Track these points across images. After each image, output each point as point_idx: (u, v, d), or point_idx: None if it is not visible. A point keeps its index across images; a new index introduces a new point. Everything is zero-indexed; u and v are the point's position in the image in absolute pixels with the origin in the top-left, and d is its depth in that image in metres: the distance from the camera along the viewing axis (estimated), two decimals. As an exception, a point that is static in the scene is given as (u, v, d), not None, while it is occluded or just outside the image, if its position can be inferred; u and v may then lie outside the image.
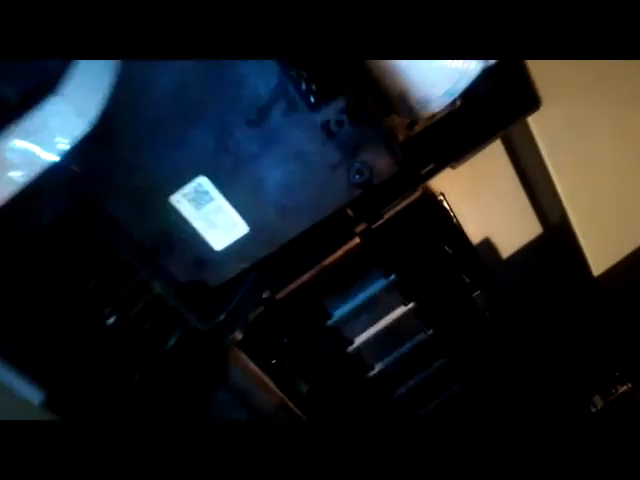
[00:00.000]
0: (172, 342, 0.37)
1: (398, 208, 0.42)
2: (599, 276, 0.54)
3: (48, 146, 0.32)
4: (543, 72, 0.42)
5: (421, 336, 0.57)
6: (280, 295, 0.41)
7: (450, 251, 0.58)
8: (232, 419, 0.45)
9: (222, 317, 0.38)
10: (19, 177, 0.31)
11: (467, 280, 0.60)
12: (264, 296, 0.40)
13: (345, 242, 0.41)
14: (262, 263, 0.37)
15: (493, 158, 0.55)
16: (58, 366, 0.36)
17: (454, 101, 0.38)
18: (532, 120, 0.47)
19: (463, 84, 0.31)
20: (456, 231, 0.57)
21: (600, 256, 0.55)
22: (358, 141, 0.33)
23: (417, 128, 0.39)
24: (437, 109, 0.32)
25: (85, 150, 0.31)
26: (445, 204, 0.55)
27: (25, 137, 0.31)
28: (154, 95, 0.33)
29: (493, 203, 0.58)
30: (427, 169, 0.42)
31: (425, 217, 0.54)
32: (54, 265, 0.36)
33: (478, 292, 0.60)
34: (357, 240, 0.41)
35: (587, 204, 0.52)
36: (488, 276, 0.59)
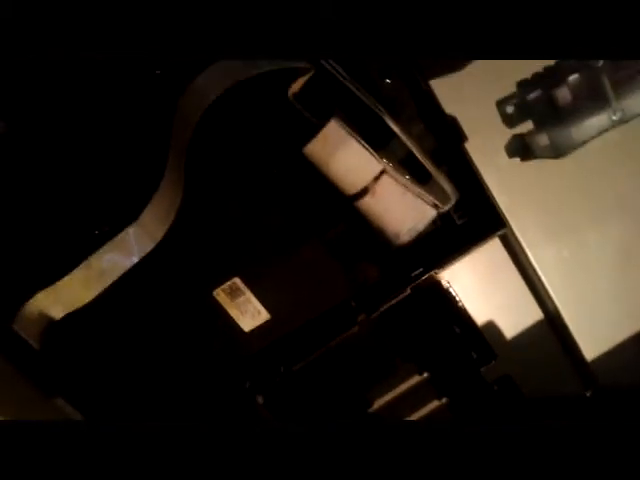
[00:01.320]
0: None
1: (392, 303, 0.52)
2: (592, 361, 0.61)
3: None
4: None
5: (434, 404, 0.64)
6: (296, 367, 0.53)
7: (458, 331, 0.66)
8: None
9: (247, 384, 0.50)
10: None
11: (474, 356, 0.68)
12: (282, 369, 0.52)
13: (348, 329, 0.52)
14: (279, 343, 0.49)
15: (494, 255, 0.64)
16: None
17: (435, 222, 0.49)
18: (517, 228, 0.56)
19: (423, 224, 0.42)
20: (462, 313, 0.65)
21: (592, 344, 0.62)
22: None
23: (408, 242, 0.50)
24: (407, 240, 0.43)
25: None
26: (452, 290, 0.64)
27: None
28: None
29: (495, 288, 0.66)
30: (416, 272, 0.52)
31: (435, 302, 0.63)
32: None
33: (484, 368, 0.68)
34: (356, 328, 0.52)
35: (575, 297, 0.60)
36: (493, 353, 0.67)
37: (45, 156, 0.44)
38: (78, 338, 0.46)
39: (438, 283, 0.64)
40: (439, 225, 0.50)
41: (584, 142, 0.40)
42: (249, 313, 0.49)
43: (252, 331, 0.50)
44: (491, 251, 0.63)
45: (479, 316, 0.67)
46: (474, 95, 0.45)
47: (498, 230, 0.49)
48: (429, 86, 0.45)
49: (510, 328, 0.69)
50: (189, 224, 0.45)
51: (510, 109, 0.43)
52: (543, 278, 0.57)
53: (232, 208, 0.46)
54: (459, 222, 0.46)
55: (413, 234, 0.41)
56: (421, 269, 0.52)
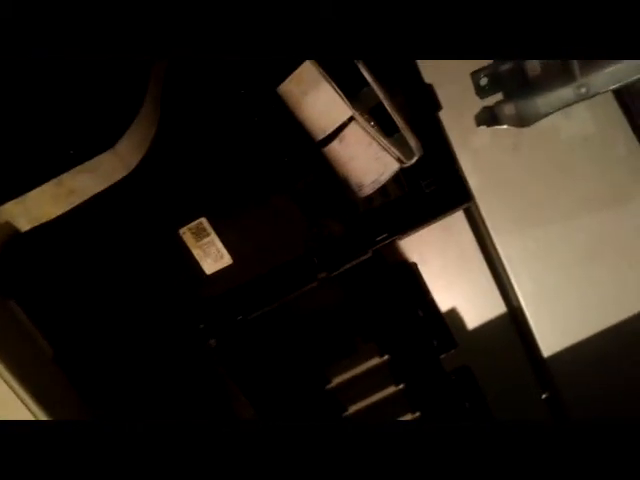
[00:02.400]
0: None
1: (353, 264, 0.53)
2: (548, 357, 0.61)
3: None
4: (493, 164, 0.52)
5: (391, 389, 0.63)
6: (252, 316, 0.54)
7: (421, 314, 0.67)
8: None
9: (202, 325, 0.50)
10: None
11: (435, 343, 0.68)
12: (238, 318, 0.53)
13: (308, 284, 0.53)
14: (239, 289, 0.50)
15: (463, 242, 0.65)
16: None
17: (402, 187, 0.50)
18: (485, 212, 0.57)
19: (386, 177, 0.43)
20: (426, 297, 0.65)
21: (549, 339, 0.62)
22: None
23: (375, 204, 0.51)
24: (369, 192, 0.45)
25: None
26: (418, 272, 0.65)
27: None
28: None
29: (462, 276, 0.67)
30: (380, 237, 0.53)
31: (401, 282, 0.64)
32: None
33: (444, 355, 0.68)
34: (316, 284, 0.52)
35: (537, 291, 0.60)
36: (453, 342, 0.67)
37: (31, 75, 0.45)
38: (40, 252, 0.47)
39: (406, 263, 0.65)
40: (406, 191, 0.51)
41: (548, 113, 0.41)
42: (212, 256, 0.50)
43: (213, 274, 0.51)
44: (460, 238, 0.64)
45: (443, 303, 0.67)
46: (450, 65, 0.46)
47: (464, 203, 0.50)
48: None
49: (473, 318, 0.69)
50: (162, 158, 0.46)
51: (484, 81, 0.45)
52: (508, 269, 0.58)
53: (206, 148, 0.47)
54: (427, 190, 0.47)
55: (376, 186, 0.43)
56: (385, 234, 0.53)
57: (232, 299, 0.51)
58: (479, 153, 0.52)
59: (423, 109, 0.48)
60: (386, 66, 0.46)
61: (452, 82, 0.49)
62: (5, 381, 0.39)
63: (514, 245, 0.57)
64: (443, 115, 0.51)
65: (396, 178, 0.45)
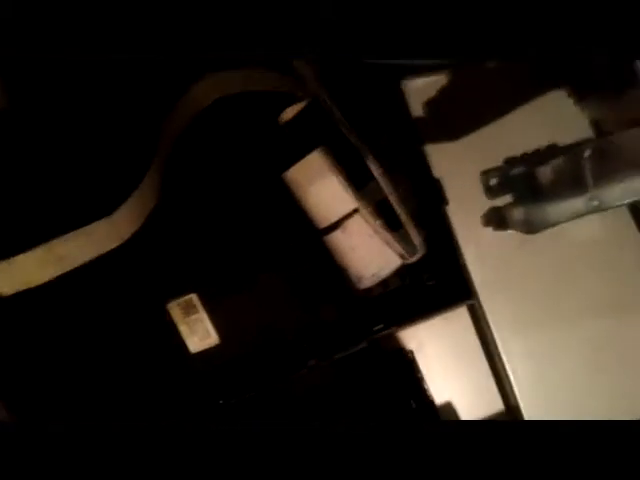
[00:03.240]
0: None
1: (346, 354, 0.51)
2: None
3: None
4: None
5: None
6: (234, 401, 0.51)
7: (414, 405, 0.64)
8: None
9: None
10: None
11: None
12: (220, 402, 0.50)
13: (297, 371, 0.51)
14: (223, 370, 0.48)
15: (463, 334, 0.62)
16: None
17: (404, 278, 0.48)
18: (487, 309, 0.55)
19: (386, 272, 0.41)
20: (421, 389, 0.63)
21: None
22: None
23: (373, 293, 0.49)
24: (368, 285, 0.43)
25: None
26: (415, 362, 0.62)
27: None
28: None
29: (460, 369, 0.64)
30: (377, 327, 0.51)
31: (394, 371, 0.62)
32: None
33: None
34: (305, 371, 0.50)
35: (536, 392, 0.58)
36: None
37: (35, 137, 0.45)
38: (23, 318, 0.45)
39: (403, 351, 0.63)
40: (407, 283, 0.49)
41: (558, 223, 0.40)
42: (199, 334, 0.48)
43: (198, 353, 0.48)
44: (461, 330, 0.62)
45: (438, 394, 0.64)
46: (461, 163, 0.46)
47: (465, 300, 0.48)
48: (422, 147, 0.46)
49: (468, 413, 0.66)
50: (158, 230, 0.45)
51: (493, 181, 0.44)
52: (508, 368, 0.56)
53: (203, 223, 0.46)
54: (428, 284, 0.45)
55: (376, 280, 0.41)
56: (382, 325, 0.51)
57: (215, 380, 0.49)
58: (485, 249, 0.51)
59: (430, 202, 0.47)
60: (396, 156, 0.46)
61: (462, 176, 0.48)
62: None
63: (515, 344, 0.55)
64: (450, 209, 0.50)
65: (397, 269, 0.43)
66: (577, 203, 0.39)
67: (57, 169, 0.45)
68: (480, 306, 0.54)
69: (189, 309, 0.47)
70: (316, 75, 0.39)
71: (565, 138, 0.45)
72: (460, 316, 0.61)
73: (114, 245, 0.45)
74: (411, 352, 0.61)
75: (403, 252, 0.41)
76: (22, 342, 0.46)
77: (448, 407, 0.66)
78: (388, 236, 0.40)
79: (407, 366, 0.62)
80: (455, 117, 0.48)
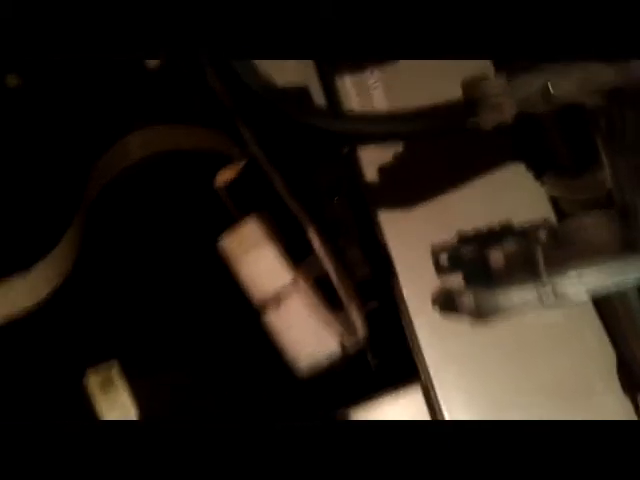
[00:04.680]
0: None
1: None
2: None
3: None
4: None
5: None
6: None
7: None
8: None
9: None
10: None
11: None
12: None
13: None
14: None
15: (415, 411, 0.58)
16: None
17: (348, 359, 0.44)
18: (438, 387, 0.51)
19: (323, 356, 0.37)
20: None
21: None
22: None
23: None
24: (306, 369, 0.39)
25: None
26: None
27: None
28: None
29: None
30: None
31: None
32: None
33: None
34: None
35: None
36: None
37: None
38: None
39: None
40: (351, 362, 0.45)
41: (509, 311, 0.37)
42: (117, 410, 0.43)
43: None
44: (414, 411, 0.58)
45: None
46: (414, 234, 0.43)
47: (414, 380, 0.45)
48: (375, 213, 0.44)
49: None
50: (74, 293, 0.40)
51: (443, 259, 0.41)
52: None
53: (126, 286, 0.41)
54: (372, 364, 0.41)
55: (313, 364, 0.37)
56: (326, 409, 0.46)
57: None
58: (438, 325, 0.48)
59: (380, 272, 0.44)
60: (344, 225, 0.43)
61: (414, 248, 0.45)
62: None
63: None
64: (402, 281, 0.47)
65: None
66: (530, 294, 0.36)
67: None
68: (432, 387, 0.50)
69: (108, 382, 0.42)
70: (255, 137, 0.36)
71: (523, 215, 0.43)
72: (413, 396, 0.56)
73: (28, 304, 0.41)
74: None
75: (343, 334, 0.37)
76: None
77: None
78: (327, 316, 0.37)
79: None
80: (409, 187, 0.46)
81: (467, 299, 0.37)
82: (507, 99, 0.35)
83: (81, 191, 0.40)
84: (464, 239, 0.41)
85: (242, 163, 0.38)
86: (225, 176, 0.38)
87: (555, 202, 0.45)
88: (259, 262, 0.37)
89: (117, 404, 0.44)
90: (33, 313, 0.41)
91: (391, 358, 0.44)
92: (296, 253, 0.38)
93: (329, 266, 0.36)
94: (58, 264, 0.42)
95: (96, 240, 0.41)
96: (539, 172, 0.45)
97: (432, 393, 0.51)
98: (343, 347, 0.37)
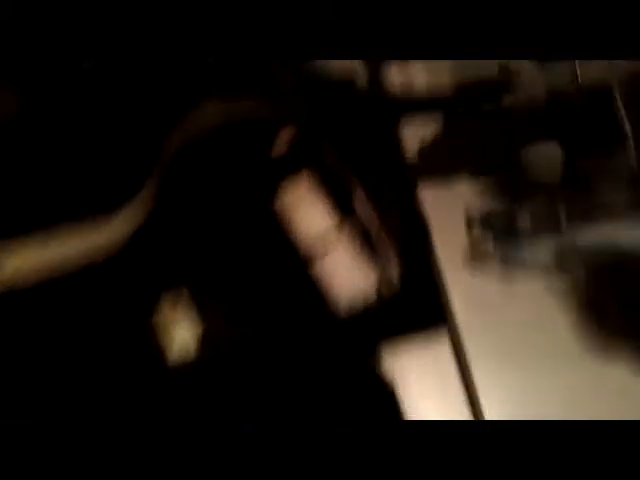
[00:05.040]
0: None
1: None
2: None
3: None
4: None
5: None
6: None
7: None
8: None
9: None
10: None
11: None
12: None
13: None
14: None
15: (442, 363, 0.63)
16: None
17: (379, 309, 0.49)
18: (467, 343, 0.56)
19: (362, 300, 0.43)
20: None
21: None
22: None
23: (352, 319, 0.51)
24: (346, 311, 0.45)
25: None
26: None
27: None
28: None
29: (437, 403, 0.64)
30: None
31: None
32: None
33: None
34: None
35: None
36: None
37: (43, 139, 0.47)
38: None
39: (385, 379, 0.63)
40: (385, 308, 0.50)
41: (532, 264, 0.42)
42: (179, 341, 0.49)
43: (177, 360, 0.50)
44: (439, 363, 0.62)
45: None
46: (449, 200, 0.48)
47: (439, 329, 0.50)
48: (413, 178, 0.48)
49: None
50: (150, 237, 0.47)
51: (475, 218, 0.46)
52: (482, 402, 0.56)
53: (196, 233, 0.47)
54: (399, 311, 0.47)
55: (353, 307, 0.43)
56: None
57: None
58: (468, 284, 0.52)
59: (416, 236, 0.49)
60: (385, 188, 0.48)
61: (449, 213, 0.50)
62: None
63: (491, 379, 0.55)
64: (436, 244, 0.51)
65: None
66: (552, 247, 0.40)
67: (64, 170, 0.47)
68: (459, 340, 0.55)
69: (174, 314, 0.49)
70: (307, 106, 0.42)
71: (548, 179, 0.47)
72: (441, 348, 0.61)
73: (109, 245, 0.47)
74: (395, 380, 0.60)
75: (380, 282, 0.42)
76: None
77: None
78: (367, 266, 0.42)
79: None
80: (446, 157, 0.51)
81: (496, 254, 0.42)
82: (539, 81, 0.40)
83: (160, 151, 0.47)
84: (496, 200, 0.46)
85: (298, 130, 0.43)
86: (285, 138, 0.43)
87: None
88: (309, 216, 0.43)
89: (180, 334, 0.50)
90: (114, 249, 0.48)
91: (422, 308, 0.49)
92: (341, 210, 0.43)
93: (371, 221, 0.41)
94: (137, 210, 0.48)
95: (170, 193, 0.48)
96: (569, 151, 0.49)
97: (459, 341, 0.56)
98: (379, 291, 0.42)
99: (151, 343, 0.50)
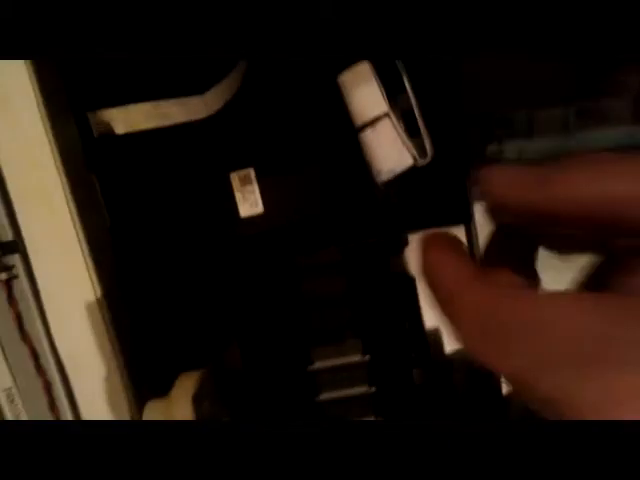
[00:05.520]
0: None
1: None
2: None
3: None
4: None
5: (363, 388, 0.67)
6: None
7: (407, 327, 0.73)
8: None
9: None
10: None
11: (413, 356, 0.74)
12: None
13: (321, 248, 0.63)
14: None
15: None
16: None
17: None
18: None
19: (400, 168, 0.54)
20: (416, 312, 0.70)
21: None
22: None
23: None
24: (385, 179, 0.56)
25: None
26: (415, 287, 0.72)
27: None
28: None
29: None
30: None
31: (397, 292, 0.70)
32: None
33: (418, 369, 0.74)
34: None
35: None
36: (429, 359, 0.73)
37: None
38: (125, 153, 0.60)
39: (407, 275, 0.73)
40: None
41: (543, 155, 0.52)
42: (249, 202, 0.62)
43: (246, 217, 0.62)
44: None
45: (428, 321, 0.72)
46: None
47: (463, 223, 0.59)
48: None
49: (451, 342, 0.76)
50: (235, 113, 0.58)
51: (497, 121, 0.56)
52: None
53: (268, 114, 0.59)
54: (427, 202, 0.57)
55: (390, 175, 0.53)
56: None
57: (257, 244, 0.62)
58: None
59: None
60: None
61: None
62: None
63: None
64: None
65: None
66: (561, 142, 0.50)
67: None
68: (476, 234, 0.65)
69: (245, 181, 0.61)
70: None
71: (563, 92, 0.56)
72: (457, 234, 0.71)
73: (201, 116, 0.60)
74: (414, 278, 0.71)
75: (416, 155, 0.53)
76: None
77: (435, 333, 0.75)
78: (407, 139, 0.53)
79: (408, 290, 0.71)
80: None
81: (512, 147, 0.52)
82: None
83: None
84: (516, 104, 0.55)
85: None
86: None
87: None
88: (365, 94, 0.53)
89: (249, 198, 0.63)
90: (204, 121, 0.60)
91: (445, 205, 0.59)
92: (389, 92, 0.54)
93: (416, 104, 0.52)
94: (225, 91, 0.61)
95: (254, 78, 0.59)
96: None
97: (475, 240, 0.66)
98: (415, 163, 0.53)
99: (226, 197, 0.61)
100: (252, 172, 0.61)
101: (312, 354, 0.67)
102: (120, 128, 0.57)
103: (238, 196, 0.61)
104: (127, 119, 0.57)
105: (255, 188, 0.61)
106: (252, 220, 0.61)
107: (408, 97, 0.51)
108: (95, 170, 0.56)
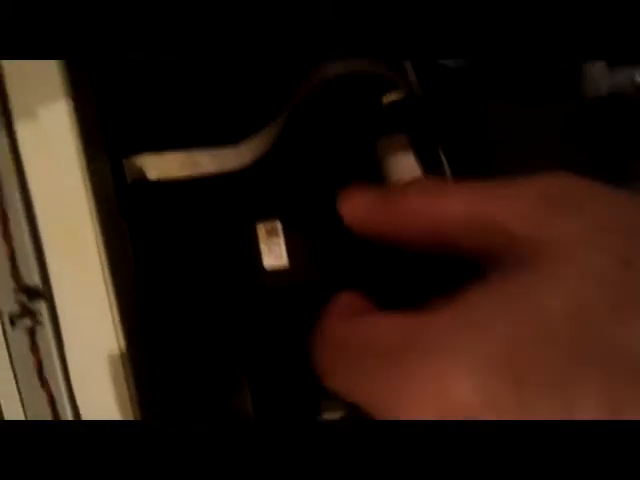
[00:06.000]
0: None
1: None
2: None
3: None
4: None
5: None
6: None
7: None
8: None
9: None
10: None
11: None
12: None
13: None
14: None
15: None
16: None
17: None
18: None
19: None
20: None
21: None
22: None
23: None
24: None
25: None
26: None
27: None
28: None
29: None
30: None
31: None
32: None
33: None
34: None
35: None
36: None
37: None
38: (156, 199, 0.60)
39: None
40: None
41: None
42: (274, 254, 0.62)
43: (269, 270, 0.62)
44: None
45: None
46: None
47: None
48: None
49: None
50: (266, 167, 0.59)
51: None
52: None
53: (302, 171, 0.59)
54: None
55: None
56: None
57: (279, 296, 0.62)
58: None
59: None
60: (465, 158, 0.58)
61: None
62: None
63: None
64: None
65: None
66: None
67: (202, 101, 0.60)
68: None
69: (272, 232, 0.61)
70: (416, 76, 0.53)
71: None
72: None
73: (234, 167, 0.60)
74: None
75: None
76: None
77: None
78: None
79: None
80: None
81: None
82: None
83: (290, 95, 0.59)
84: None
85: (404, 92, 0.55)
86: (390, 98, 0.55)
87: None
88: (400, 159, 0.54)
89: (274, 250, 0.63)
90: (236, 174, 0.60)
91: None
92: (426, 166, 0.54)
93: (448, 173, 0.52)
94: (261, 143, 0.61)
95: (293, 132, 0.60)
96: (624, 155, 0.58)
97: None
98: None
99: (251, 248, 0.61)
100: (279, 224, 0.61)
101: (321, 407, 0.66)
102: (153, 174, 0.58)
103: (263, 248, 0.61)
104: (161, 166, 0.57)
105: (281, 240, 0.61)
106: (276, 273, 0.61)
107: (444, 170, 0.51)
108: (127, 217, 0.56)
